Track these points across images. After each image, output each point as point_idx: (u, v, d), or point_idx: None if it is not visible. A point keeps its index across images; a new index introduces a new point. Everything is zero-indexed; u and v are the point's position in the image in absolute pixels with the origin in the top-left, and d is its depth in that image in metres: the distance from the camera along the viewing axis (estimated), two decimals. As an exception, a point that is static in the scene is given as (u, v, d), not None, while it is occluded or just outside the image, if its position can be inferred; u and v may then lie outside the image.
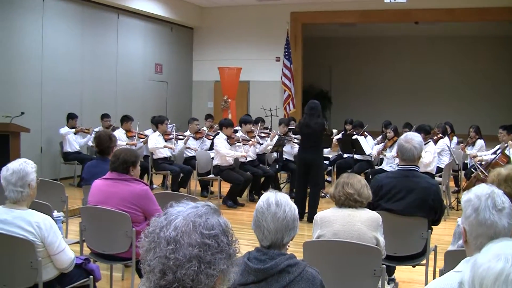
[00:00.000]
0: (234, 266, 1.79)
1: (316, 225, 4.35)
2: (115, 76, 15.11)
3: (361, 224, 4.21)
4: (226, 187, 11.04)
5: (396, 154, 11.14)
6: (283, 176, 13.28)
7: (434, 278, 5.44)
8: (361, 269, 4.06)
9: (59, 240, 4.12)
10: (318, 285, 2.82)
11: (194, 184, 11.62)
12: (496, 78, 22.41)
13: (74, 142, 12.26)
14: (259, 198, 10.07)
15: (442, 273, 3.93)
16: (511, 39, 21.32)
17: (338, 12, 17.26)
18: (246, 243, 7.01)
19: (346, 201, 4.27)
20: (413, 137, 5.11)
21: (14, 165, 4.11)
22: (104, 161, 6.32)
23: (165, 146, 11.29)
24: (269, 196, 2.97)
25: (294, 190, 11.52)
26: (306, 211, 9.53)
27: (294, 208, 2.98)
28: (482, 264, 1.58)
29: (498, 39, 21.61)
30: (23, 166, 4.11)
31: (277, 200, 2.95)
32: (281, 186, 12.32)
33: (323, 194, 11.28)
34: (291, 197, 9.77)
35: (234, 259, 1.79)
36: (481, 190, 2.61)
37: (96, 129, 12.37)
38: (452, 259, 3.74)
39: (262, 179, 11.50)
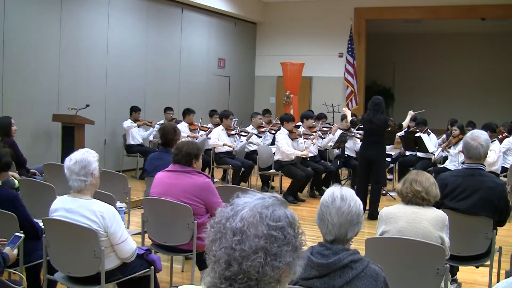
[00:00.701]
0: (300, 259, 1.76)
1: (381, 221, 4.29)
2: (178, 70, 15.28)
3: (427, 222, 4.13)
4: (286, 183, 11.02)
5: (461, 150, 11.03)
6: (343, 172, 13.17)
7: (498, 279, 5.32)
8: (424, 268, 3.98)
9: (121, 230, 4.18)
10: (381, 282, 2.79)
11: (255, 179, 11.65)
12: None
13: (137, 135, 12.46)
14: (320, 194, 10.11)
15: (507, 274, 3.85)
16: None
17: (403, 8, 17.03)
18: (307, 238, 7.02)
19: (413, 198, 4.19)
20: (479, 135, 4.98)
21: (76, 155, 4.18)
22: (167, 153, 6.41)
23: (224, 144, 11.29)
24: (335, 190, 2.95)
25: (355, 187, 11.46)
26: (367, 208, 9.43)
27: (359, 203, 2.95)
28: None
29: None
30: (85, 155, 4.18)
31: (342, 194, 2.92)
32: (342, 182, 12.23)
33: (384, 192, 11.16)
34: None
35: (300, 252, 1.77)
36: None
37: (159, 122, 12.59)
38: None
39: (323, 175, 11.45)
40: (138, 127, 12.46)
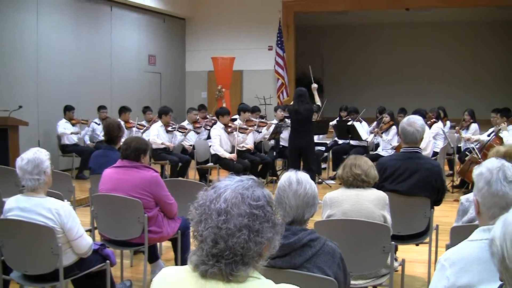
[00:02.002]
0: (278, 234, 1.93)
1: (326, 206, 4.49)
2: (110, 68, 15.19)
3: (369, 203, 4.36)
4: (224, 176, 11.15)
5: (398, 134, 11.43)
6: (278, 163, 13.39)
7: (436, 256, 5.64)
8: (371, 246, 4.20)
9: (77, 226, 4.25)
10: (338, 258, 2.98)
11: (193, 174, 11.74)
12: (488, 63, 22.62)
13: (72, 134, 12.35)
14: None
15: (448, 247, 4.10)
16: (503, 24, 21.49)
17: (329, 0, 17.37)
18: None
19: (354, 182, 4.41)
20: (416, 121, 5.25)
21: (28, 155, 4.22)
22: (111, 150, 6.47)
23: (162, 144, 11.23)
24: (291, 175, 3.12)
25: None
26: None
27: (314, 186, 3.13)
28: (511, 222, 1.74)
29: (491, 24, 21.79)
30: (37, 154, 4.22)
31: (298, 178, 3.09)
32: (278, 173, 12.44)
33: (320, 180, 11.46)
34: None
35: (278, 227, 1.93)
36: (492, 164, 2.77)
37: (94, 121, 12.56)
38: (458, 235, 3.91)
39: (260, 166, 11.65)
40: (73, 125, 12.35)
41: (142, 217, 5.06)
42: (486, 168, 2.74)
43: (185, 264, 5.33)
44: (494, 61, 22.50)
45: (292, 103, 10.02)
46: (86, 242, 4.32)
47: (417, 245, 5.55)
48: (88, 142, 12.91)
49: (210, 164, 11.22)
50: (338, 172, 4.62)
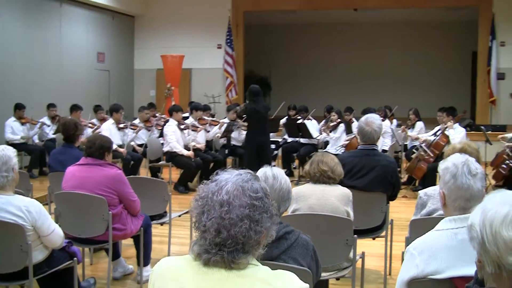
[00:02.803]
0: (274, 224, 2.07)
1: (292, 200, 4.64)
2: (59, 65, 15.02)
3: (334, 198, 4.54)
4: (175, 174, 11.26)
5: (339, 136, 11.71)
6: (228, 161, 13.51)
7: (391, 249, 5.87)
8: (335, 240, 4.37)
9: (49, 221, 4.28)
10: (311, 250, 3.14)
11: (145, 172, 11.76)
12: (433, 63, 23.21)
13: (20, 133, 12.19)
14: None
15: (407, 240, 4.30)
16: (450, 25, 22.08)
17: (280, -1, 17.61)
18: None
19: (321, 178, 4.59)
20: (374, 121, 5.45)
21: None
22: (70, 148, 6.50)
23: (116, 149, 11.04)
24: (266, 170, 3.26)
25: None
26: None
27: (288, 181, 3.28)
28: (490, 209, 1.91)
29: (437, 25, 22.34)
30: (5, 151, 4.23)
31: (274, 173, 3.23)
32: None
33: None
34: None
35: (274, 218, 2.07)
36: (457, 158, 2.97)
37: (41, 120, 12.43)
38: (417, 227, 4.12)
39: (212, 164, 11.75)
40: (22, 124, 12.19)
41: (107, 214, 5.10)
42: (452, 163, 2.94)
43: (148, 261, 5.42)
44: (439, 61, 23.10)
45: (247, 101, 10.11)
46: (58, 235, 4.37)
47: (373, 238, 5.75)
48: (37, 140, 12.75)
49: (163, 162, 11.28)
50: (306, 168, 4.79)
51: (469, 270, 2.70)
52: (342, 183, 5.26)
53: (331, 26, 23.34)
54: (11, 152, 4.27)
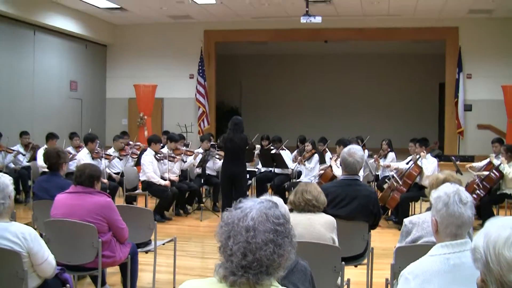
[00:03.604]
0: (294, 248, 2.23)
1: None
2: (32, 93, 15.03)
3: (320, 226, 4.72)
4: (150, 203, 11.36)
5: (313, 166, 11.91)
6: (202, 190, 13.59)
7: (372, 276, 6.04)
8: (323, 266, 4.52)
9: (43, 249, 4.35)
10: (309, 275, 3.31)
11: (121, 201, 11.78)
12: (402, 95, 23.79)
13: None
14: (184, 212, 10.58)
15: (393, 267, 4.49)
16: (415, 57, 22.68)
17: (251, 31, 17.86)
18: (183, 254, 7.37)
19: (306, 207, 4.76)
20: (356, 151, 5.68)
21: None
22: (55, 176, 6.58)
23: None
24: (268, 199, 3.40)
25: (217, 203, 12.05)
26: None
27: (288, 210, 3.44)
28: (493, 232, 2.12)
29: (407, 56, 22.97)
30: (2, 179, 4.31)
31: (276, 202, 3.37)
32: (203, 200, 12.64)
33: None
34: (214, 210, 10.20)
35: (294, 242, 2.23)
36: (448, 188, 3.18)
37: (14, 148, 12.41)
38: (402, 254, 4.31)
39: (187, 193, 11.85)
40: None
41: (96, 241, 5.19)
42: (444, 192, 3.15)
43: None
44: (408, 92, 23.69)
45: (227, 131, 10.27)
46: (51, 266, 4.43)
47: (355, 266, 5.92)
48: (13, 165, 12.71)
49: (139, 191, 11.35)
50: (290, 198, 4.94)
51: None
52: (325, 211, 5.44)
53: (302, 56, 23.76)
54: (8, 179, 4.35)
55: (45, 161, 6.78)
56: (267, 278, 2.13)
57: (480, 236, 2.17)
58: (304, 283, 3.23)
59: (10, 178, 4.44)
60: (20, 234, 4.23)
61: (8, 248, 4.19)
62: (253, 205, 2.21)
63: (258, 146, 11.56)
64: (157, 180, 10.86)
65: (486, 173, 10.48)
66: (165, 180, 10.97)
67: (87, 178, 5.35)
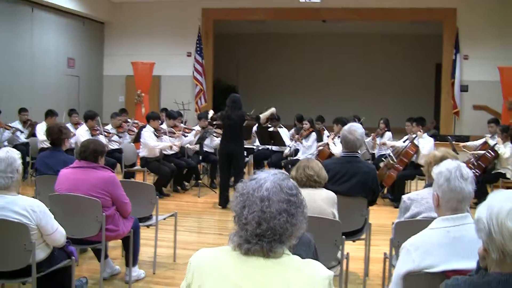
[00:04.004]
0: (305, 218, 2.32)
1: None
2: (31, 70, 15.07)
3: (321, 201, 4.81)
4: (148, 180, 11.45)
5: (311, 144, 12.01)
6: (200, 167, 13.68)
7: (369, 251, 6.17)
8: (324, 240, 4.60)
9: (52, 220, 4.45)
10: (313, 247, 3.40)
11: (120, 177, 11.83)
12: (399, 75, 23.91)
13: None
14: (182, 188, 10.71)
15: (392, 241, 4.59)
16: (412, 38, 22.74)
17: (249, 9, 17.88)
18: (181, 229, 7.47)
19: (308, 182, 4.83)
20: (356, 129, 5.77)
21: (0, 154, 4.39)
22: (58, 151, 6.67)
23: None
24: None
25: (215, 180, 12.15)
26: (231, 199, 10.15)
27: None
28: (495, 205, 2.24)
29: (405, 37, 23.04)
30: (9, 153, 4.38)
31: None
32: (201, 176, 12.74)
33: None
34: (211, 187, 10.29)
35: (305, 212, 2.33)
36: (449, 164, 3.28)
37: (13, 124, 12.45)
38: (402, 229, 4.42)
39: (185, 170, 11.94)
40: None
41: (101, 216, 5.28)
42: (445, 168, 3.24)
43: (136, 262, 5.61)
44: (405, 72, 23.82)
45: (225, 109, 10.33)
46: (61, 234, 4.55)
47: (354, 241, 6.03)
48: (6, 144, 12.75)
49: (137, 167, 11.44)
50: (292, 173, 5.01)
51: (461, 264, 3.04)
52: (326, 187, 5.54)
53: (300, 36, 23.78)
54: (15, 154, 4.43)
55: (48, 136, 6.85)
56: (280, 247, 2.22)
57: (483, 208, 2.28)
58: (308, 254, 3.31)
59: (18, 152, 4.51)
60: (28, 207, 4.31)
61: (17, 221, 4.27)
62: (267, 177, 2.29)
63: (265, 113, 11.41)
64: (161, 145, 11.00)
65: (481, 152, 10.61)
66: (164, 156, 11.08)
67: (91, 153, 5.43)
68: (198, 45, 18.06)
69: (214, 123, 11.81)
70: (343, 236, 4.68)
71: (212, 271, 2.25)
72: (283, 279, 2.19)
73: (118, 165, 11.83)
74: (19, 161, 4.42)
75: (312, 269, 2.26)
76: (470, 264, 2.88)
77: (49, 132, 6.84)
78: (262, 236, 2.19)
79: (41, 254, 4.49)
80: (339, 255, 4.78)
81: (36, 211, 4.33)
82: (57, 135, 6.73)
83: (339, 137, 11.10)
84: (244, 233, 2.22)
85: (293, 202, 2.26)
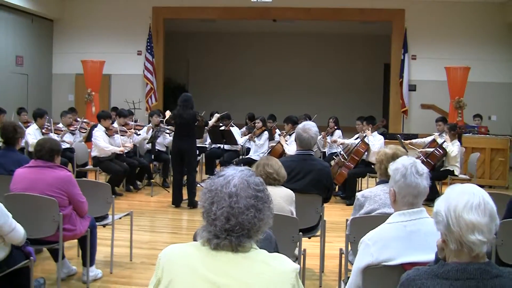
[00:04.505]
0: (272, 214, 2.39)
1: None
2: (-23, 68, 14.75)
3: (281, 199, 4.90)
4: (101, 179, 11.38)
5: (263, 142, 12.11)
6: (152, 166, 13.64)
7: (324, 247, 6.29)
8: (283, 237, 4.69)
9: (9, 219, 4.43)
10: (274, 242, 3.49)
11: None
12: (348, 74, 24.23)
13: None
14: (134, 188, 10.72)
15: (348, 237, 4.72)
16: (364, 37, 23.08)
17: (200, 8, 17.84)
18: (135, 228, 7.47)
19: (267, 180, 4.90)
20: (310, 127, 5.87)
21: None
22: (11, 151, 6.58)
23: None
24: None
25: (167, 179, 12.17)
26: (185, 198, 10.26)
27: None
28: (453, 198, 2.37)
29: (354, 36, 23.35)
30: None
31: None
32: (153, 175, 12.71)
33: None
34: (164, 186, 10.32)
35: (272, 208, 2.40)
36: (405, 160, 3.42)
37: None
38: (357, 225, 4.54)
39: (138, 169, 11.91)
40: None
41: (57, 215, 5.26)
42: (401, 164, 3.38)
43: (93, 261, 5.61)
44: (354, 72, 24.13)
45: (177, 108, 10.37)
46: (19, 233, 4.53)
47: (309, 238, 6.14)
48: None
49: (90, 167, 11.35)
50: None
51: (417, 257, 3.18)
52: (282, 185, 5.64)
53: (251, 35, 23.87)
54: None
55: (2, 135, 6.76)
56: (248, 241, 2.30)
57: (441, 202, 2.41)
58: (269, 250, 3.38)
59: None
60: (-16, 207, 4.28)
61: (-27, 221, 4.24)
62: (234, 173, 2.36)
63: (210, 122, 11.65)
64: (111, 148, 10.94)
65: (430, 150, 10.89)
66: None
67: (47, 152, 5.41)
68: (148, 44, 17.97)
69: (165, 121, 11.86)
70: (300, 233, 4.78)
71: (181, 266, 2.30)
72: (251, 272, 2.26)
73: (70, 165, 11.69)
74: None
75: (279, 262, 2.34)
76: (426, 256, 3.03)
77: (3, 131, 6.74)
78: (231, 231, 2.26)
79: (0, 254, 4.45)
80: (296, 251, 4.88)
81: None
82: (12, 134, 6.64)
83: (290, 135, 11.31)
84: (213, 228, 2.28)
85: (261, 198, 2.33)
